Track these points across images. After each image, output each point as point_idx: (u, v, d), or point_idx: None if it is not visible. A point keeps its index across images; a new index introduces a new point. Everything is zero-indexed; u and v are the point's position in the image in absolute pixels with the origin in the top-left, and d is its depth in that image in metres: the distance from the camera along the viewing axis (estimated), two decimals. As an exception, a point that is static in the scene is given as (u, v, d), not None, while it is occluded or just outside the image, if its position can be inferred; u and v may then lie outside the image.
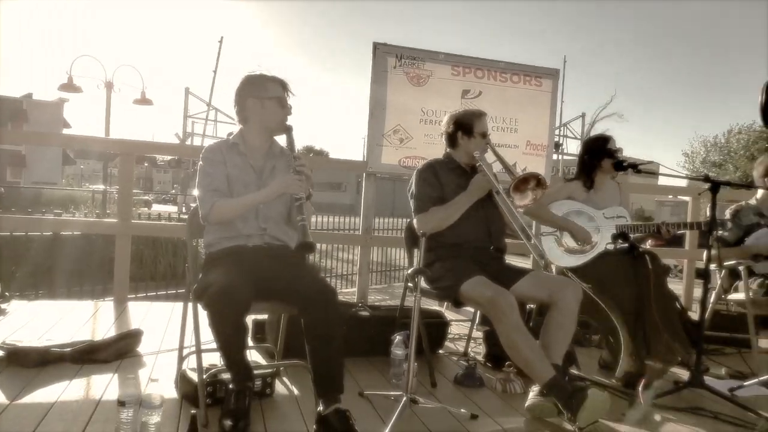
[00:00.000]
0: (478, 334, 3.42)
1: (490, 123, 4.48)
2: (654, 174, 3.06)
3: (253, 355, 2.93)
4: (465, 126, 2.87)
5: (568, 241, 3.18)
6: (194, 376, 2.26)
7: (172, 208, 23.56)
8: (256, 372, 2.31)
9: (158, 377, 2.04)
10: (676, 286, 5.94)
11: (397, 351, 2.74)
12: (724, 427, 2.41)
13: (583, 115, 17.70)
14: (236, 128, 2.51)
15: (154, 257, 7.54)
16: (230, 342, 2.07)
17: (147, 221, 7.39)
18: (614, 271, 2.96)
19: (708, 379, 2.93)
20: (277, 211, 2.41)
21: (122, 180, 4.28)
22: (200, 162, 2.39)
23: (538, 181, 2.66)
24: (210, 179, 2.35)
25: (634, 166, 3.03)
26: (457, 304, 2.66)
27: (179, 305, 2.74)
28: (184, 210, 23.44)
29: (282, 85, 2.44)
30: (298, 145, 2.50)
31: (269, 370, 2.44)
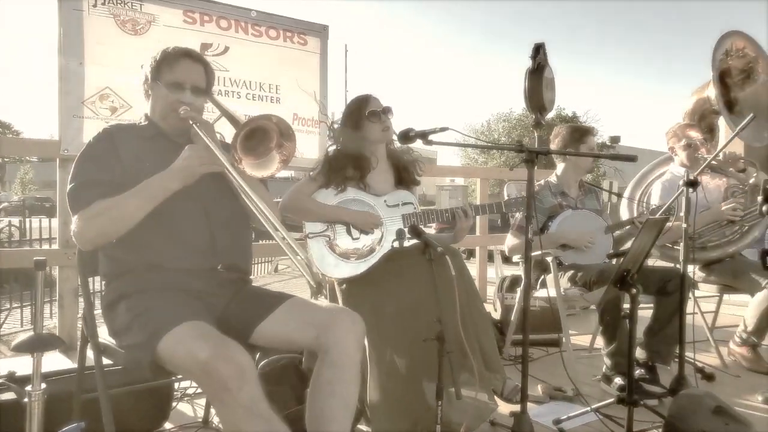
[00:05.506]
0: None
1: (243, 89, 3.50)
2: (453, 145, 2.28)
3: None
4: (152, 72, 1.75)
5: (343, 241, 2.26)
6: None
7: None
8: None
9: None
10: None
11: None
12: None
13: (379, 92, 17.46)
14: None
15: None
16: None
17: None
18: (406, 279, 2.12)
19: (529, 407, 2.27)
20: None
21: None
22: None
23: (279, 131, 1.62)
24: None
25: (424, 135, 2.19)
26: (157, 372, 1.54)
27: None
28: None
29: None
30: None
31: None
